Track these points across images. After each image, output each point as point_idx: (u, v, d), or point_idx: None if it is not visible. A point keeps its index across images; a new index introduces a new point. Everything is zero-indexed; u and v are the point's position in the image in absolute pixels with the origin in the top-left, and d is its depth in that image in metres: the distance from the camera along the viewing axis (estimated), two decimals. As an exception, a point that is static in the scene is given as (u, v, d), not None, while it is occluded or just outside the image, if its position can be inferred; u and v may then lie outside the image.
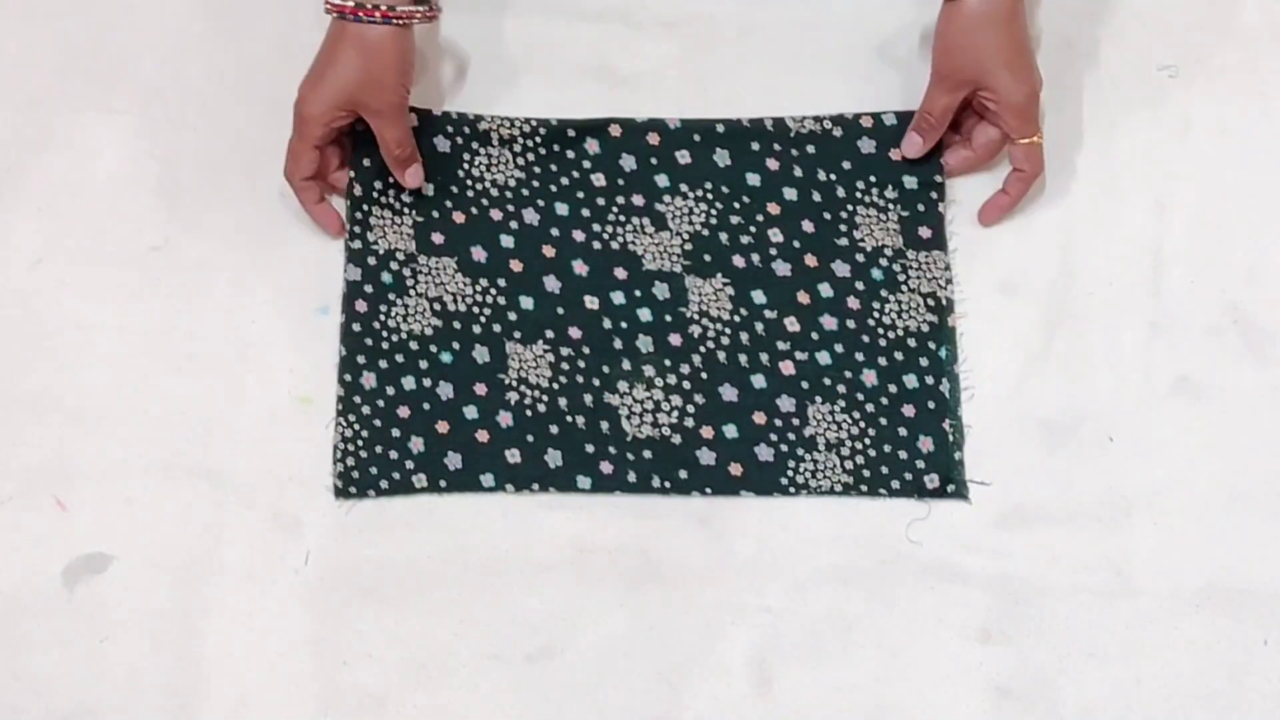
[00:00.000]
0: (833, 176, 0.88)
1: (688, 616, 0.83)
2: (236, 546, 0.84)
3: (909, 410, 0.85)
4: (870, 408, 0.85)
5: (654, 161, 0.89)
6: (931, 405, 0.85)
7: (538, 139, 0.89)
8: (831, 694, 0.81)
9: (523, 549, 0.84)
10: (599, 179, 0.89)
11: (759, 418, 0.85)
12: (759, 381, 0.85)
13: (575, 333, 0.86)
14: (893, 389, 0.85)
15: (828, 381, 0.85)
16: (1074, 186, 0.89)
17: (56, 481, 0.85)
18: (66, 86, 0.92)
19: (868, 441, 0.84)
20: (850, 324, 0.86)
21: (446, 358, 0.86)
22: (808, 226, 0.87)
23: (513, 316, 0.87)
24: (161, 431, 0.86)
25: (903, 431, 0.84)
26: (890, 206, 0.87)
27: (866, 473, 0.84)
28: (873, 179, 0.88)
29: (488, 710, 0.82)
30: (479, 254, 0.88)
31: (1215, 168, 0.88)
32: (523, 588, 0.83)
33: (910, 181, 0.87)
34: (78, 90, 0.92)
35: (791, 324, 0.86)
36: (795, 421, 0.85)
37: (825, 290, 0.87)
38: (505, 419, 0.85)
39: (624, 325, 0.86)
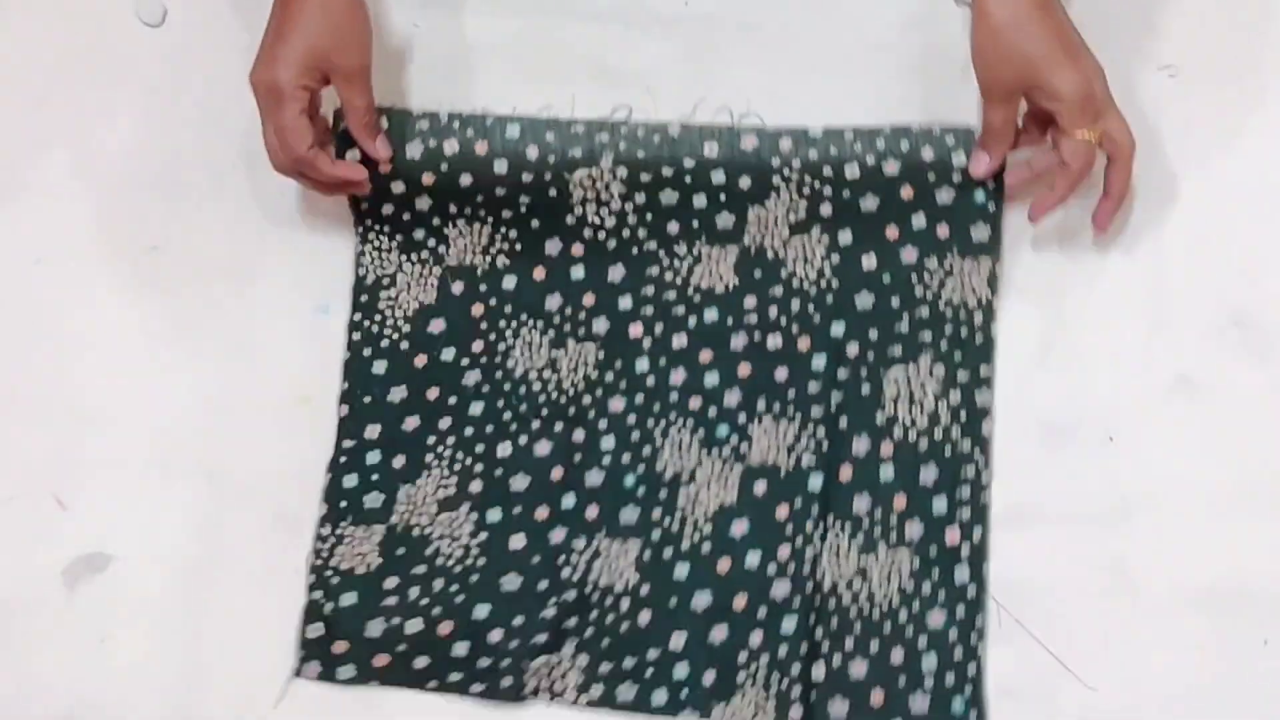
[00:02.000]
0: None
1: (688, 616, 0.83)
2: (236, 546, 0.84)
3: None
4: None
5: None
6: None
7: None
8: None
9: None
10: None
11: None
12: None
13: None
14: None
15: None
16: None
17: (56, 481, 0.85)
18: (66, 86, 0.92)
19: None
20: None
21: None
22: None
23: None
24: (161, 431, 0.86)
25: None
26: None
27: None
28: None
29: (487, 710, 0.82)
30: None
31: (1215, 168, 0.88)
32: (523, 588, 0.83)
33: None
34: (78, 90, 0.92)
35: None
36: None
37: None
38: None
39: None
